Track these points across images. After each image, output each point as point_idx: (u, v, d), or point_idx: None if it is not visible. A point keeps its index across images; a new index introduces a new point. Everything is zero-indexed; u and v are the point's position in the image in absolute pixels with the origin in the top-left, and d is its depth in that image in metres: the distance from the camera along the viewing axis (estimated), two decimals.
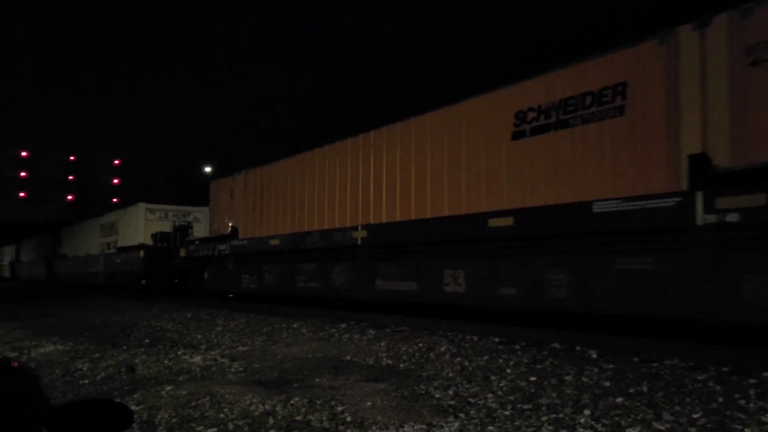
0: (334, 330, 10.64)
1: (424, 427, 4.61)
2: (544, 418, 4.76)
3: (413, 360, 7.62)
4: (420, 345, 8.58)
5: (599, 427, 4.49)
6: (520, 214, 9.79)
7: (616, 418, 4.67)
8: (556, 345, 8.22)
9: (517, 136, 10.23)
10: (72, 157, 59.32)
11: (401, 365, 7.35)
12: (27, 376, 4.55)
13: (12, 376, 4.37)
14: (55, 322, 13.88)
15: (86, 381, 7.10)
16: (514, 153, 10.23)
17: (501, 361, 7.26)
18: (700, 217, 7.44)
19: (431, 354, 7.93)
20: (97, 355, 8.63)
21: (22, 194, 53.77)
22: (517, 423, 4.67)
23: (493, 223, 10.11)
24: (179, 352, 8.65)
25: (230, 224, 19.14)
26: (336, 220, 14.40)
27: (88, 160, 60.34)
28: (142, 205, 27.58)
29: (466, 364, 7.18)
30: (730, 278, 7.30)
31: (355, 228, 13.48)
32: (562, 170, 9.44)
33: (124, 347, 9.38)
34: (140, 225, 26.89)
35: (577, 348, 7.95)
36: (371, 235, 12.99)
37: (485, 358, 7.48)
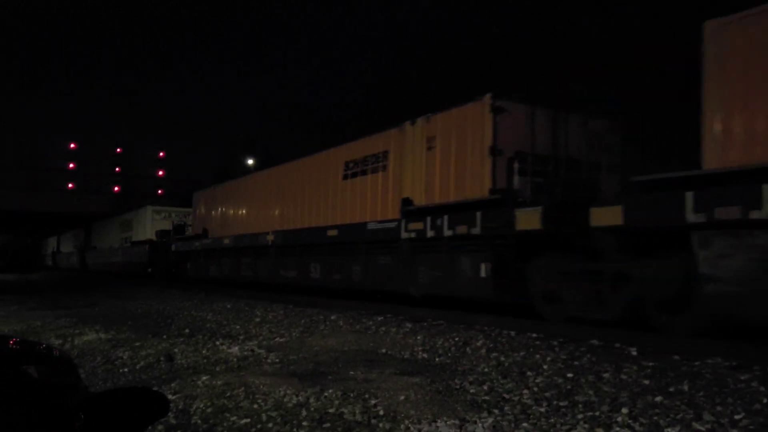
0: (371, 323, 10.65)
1: (457, 422, 4.57)
2: (579, 416, 4.67)
3: (449, 354, 7.58)
4: (456, 339, 8.53)
5: (636, 426, 4.39)
6: (342, 228, 15.69)
7: (655, 418, 4.56)
8: (595, 342, 8.08)
9: (344, 177, 16.18)
10: (119, 149, 60.65)
11: (437, 359, 7.31)
12: (66, 363, 4.63)
13: (52, 363, 4.46)
14: (99, 311, 14.21)
15: (126, 369, 7.24)
16: (344, 188, 16.21)
17: (538, 356, 7.17)
18: (403, 233, 13.25)
19: (467, 348, 7.87)
20: (137, 344, 8.79)
21: (70, 185, 55.16)
22: (552, 420, 4.59)
23: (329, 233, 16.03)
24: (217, 343, 8.76)
25: (203, 226, 25.59)
26: (261, 226, 20.46)
27: (134, 152, 61.64)
28: (149, 207, 34.08)
29: (503, 359, 7.11)
30: (414, 268, 13.09)
31: (267, 233, 19.53)
32: (362, 201, 15.31)
33: (164, 336, 9.54)
34: (148, 224, 32.79)
35: (617, 345, 7.81)
36: (276, 238, 18.97)
37: (522, 353, 7.39)
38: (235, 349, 8.14)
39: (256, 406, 5.16)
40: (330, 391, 5.58)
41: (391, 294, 13.95)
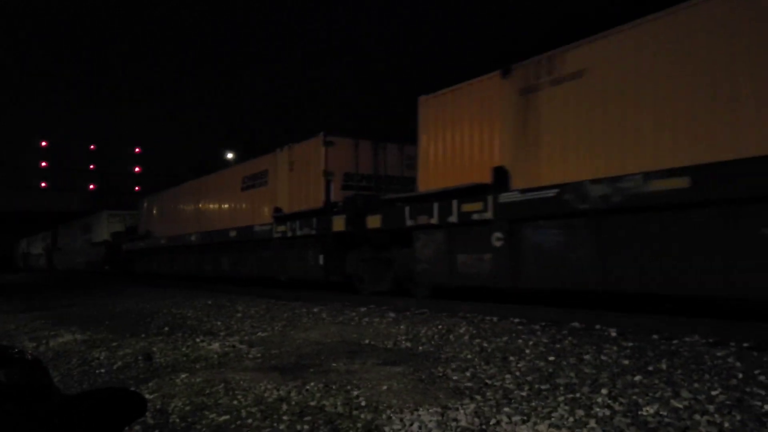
0: (354, 314, 10.62)
1: (439, 410, 4.55)
2: (560, 398, 4.68)
3: (432, 342, 7.57)
4: (440, 327, 8.53)
5: (616, 406, 4.40)
6: (239, 230, 19.75)
7: (634, 397, 4.59)
8: (576, 324, 8.13)
9: (242, 189, 20.38)
10: (92, 146, 59.92)
11: (420, 348, 7.31)
12: (37, 366, 4.53)
13: (22, 366, 4.36)
14: (76, 311, 14.01)
15: (102, 370, 7.14)
16: (241, 198, 20.55)
17: (520, 341, 7.19)
18: (274, 234, 17.33)
19: (450, 336, 7.87)
20: (114, 344, 8.68)
21: (43, 184, 54.42)
22: (533, 403, 4.60)
23: (231, 234, 20.21)
24: (198, 339, 8.67)
25: (147, 228, 29.68)
26: (187, 228, 24.30)
27: (109, 149, 60.92)
28: (105, 212, 38.40)
29: (485, 345, 7.12)
30: (283, 260, 17.34)
31: (192, 234, 23.54)
32: (252, 208, 19.49)
33: (143, 335, 9.43)
34: (104, 226, 36.83)
35: (597, 327, 7.86)
36: (197, 238, 23.09)
37: (504, 338, 7.41)
38: (216, 346, 8.07)
39: (235, 402, 5.11)
40: (312, 384, 5.54)
41: (272, 279, 18.24)
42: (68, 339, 9.49)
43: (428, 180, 12.35)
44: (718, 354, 5.92)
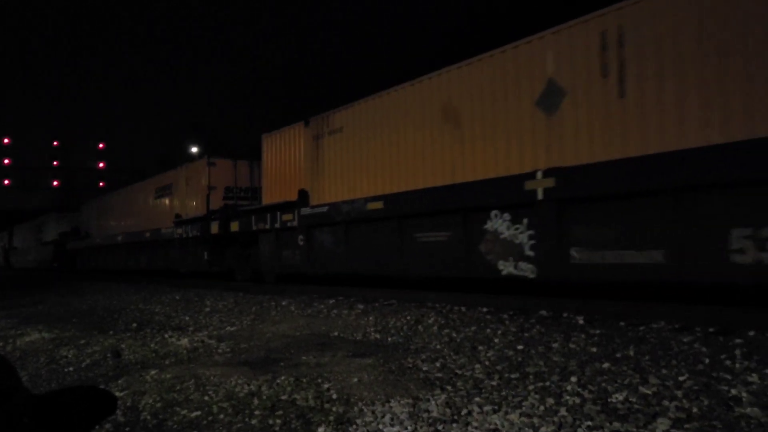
0: (322, 306, 10.60)
1: (410, 401, 4.57)
2: (530, 387, 4.73)
3: (401, 333, 7.59)
4: (408, 318, 8.56)
5: (585, 393, 4.46)
6: (152, 231, 23.76)
7: (603, 384, 4.65)
8: (544, 312, 8.22)
9: (155, 198, 24.58)
10: (56, 143, 58.74)
11: (389, 339, 7.32)
12: (4, 366, 4.43)
13: None
14: (42, 309, 13.76)
15: (71, 368, 7.02)
16: (154, 206, 24.64)
17: (489, 331, 7.24)
18: (175, 235, 21.48)
19: (419, 327, 7.90)
20: (82, 342, 8.54)
21: (6, 182, 53.27)
22: (503, 393, 4.63)
23: (146, 235, 24.51)
24: (166, 335, 8.58)
25: (86, 230, 33.71)
26: (117, 230, 28.37)
27: (72, 145, 59.76)
28: (54, 213, 41.44)
29: (454, 335, 7.16)
30: (184, 256, 21.21)
31: (120, 234, 27.51)
32: (161, 214, 23.55)
33: (111, 332, 9.30)
34: (53, 227, 40.08)
35: (565, 315, 7.96)
36: (123, 238, 27.06)
37: (473, 328, 7.46)
38: (185, 341, 7.99)
39: (206, 398, 5.06)
40: (282, 378, 5.52)
41: (175, 271, 22.37)
42: (35, 338, 9.31)
43: (267, 196, 16.39)
44: (685, 340, 6.03)
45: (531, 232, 9.28)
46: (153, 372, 6.17)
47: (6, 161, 54.83)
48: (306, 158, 14.83)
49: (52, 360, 7.63)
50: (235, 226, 17.49)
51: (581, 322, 7.38)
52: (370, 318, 8.87)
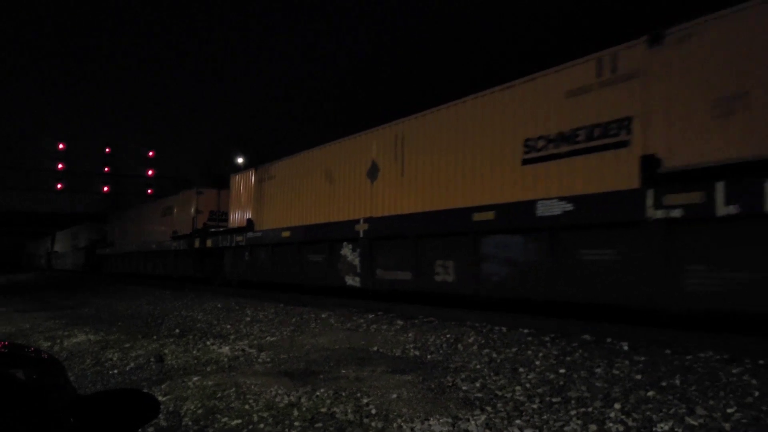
0: (362, 320, 10.61)
1: (449, 420, 4.54)
2: (572, 412, 4.66)
3: (441, 351, 7.55)
4: (448, 336, 8.51)
5: (629, 421, 4.37)
6: (157, 243, 29.10)
7: (648, 413, 4.55)
8: (587, 337, 8.08)
9: (161, 216, 29.06)
10: (108, 149, 60.29)
11: (428, 356, 7.29)
12: (54, 366, 4.54)
13: (39, 366, 4.37)
14: (88, 312, 14.09)
15: (115, 371, 7.17)
16: (160, 222, 29.42)
17: (530, 352, 7.15)
18: (172, 247, 26.87)
19: (459, 345, 7.85)
20: (127, 345, 8.72)
21: (59, 186, 54.76)
22: (545, 417, 4.57)
23: (152, 246, 29.74)
24: (208, 342, 8.70)
25: (112, 239, 38.90)
26: (133, 240, 33.65)
27: (123, 152, 61.24)
28: (86, 223, 46.41)
29: (494, 355, 7.09)
30: (178, 264, 26.44)
31: (134, 244, 33.22)
32: (164, 230, 28.70)
33: (155, 337, 9.46)
34: (85, 234, 45.32)
35: (608, 340, 7.81)
36: (136, 247, 32.46)
37: (514, 349, 7.38)
38: (226, 349, 8.09)
39: (247, 406, 5.11)
40: (322, 390, 5.54)
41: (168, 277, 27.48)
42: (82, 339, 9.53)
43: (231, 221, 21.12)
44: (733, 371, 5.86)
45: (359, 257, 13.85)
46: (195, 378, 6.25)
47: (60, 166, 56.41)
48: (254, 196, 19.77)
49: (98, 362, 7.80)
50: (209, 243, 22.28)
51: (626, 348, 7.23)
52: (410, 334, 8.85)
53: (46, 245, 64.21)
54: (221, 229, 22.48)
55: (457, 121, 11.63)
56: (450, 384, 5.77)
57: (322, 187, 15.87)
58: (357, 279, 13.85)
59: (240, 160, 48.46)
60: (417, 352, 7.55)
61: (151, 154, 61.06)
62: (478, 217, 10.50)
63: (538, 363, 6.58)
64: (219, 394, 5.54)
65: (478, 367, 6.53)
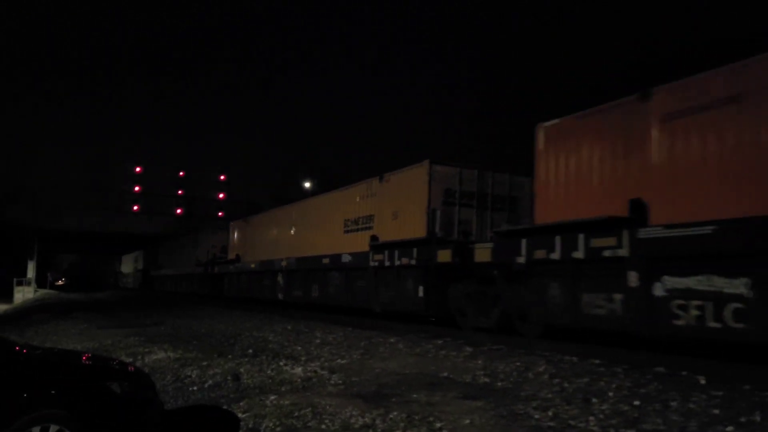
0: (430, 346, 10.69)
1: None
2: None
3: (510, 379, 7.57)
4: (517, 364, 8.50)
5: None
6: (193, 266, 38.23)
7: None
8: (661, 369, 7.94)
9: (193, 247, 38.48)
10: (181, 173, 62.32)
11: (498, 384, 7.32)
12: (145, 379, 4.94)
13: (132, 379, 4.74)
14: (165, 330, 14.66)
15: (195, 387, 7.48)
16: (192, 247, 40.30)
17: (602, 383, 7.10)
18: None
19: (529, 373, 7.84)
20: (204, 363, 9.06)
21: (135, 207, 56.86)
22: None
23: (189, 269, 40.13)
24: (281, 363, 8.95)
25: (162, 263, 49.11)
26: (179, 268, 42.67)
27: (196, 175, 63.18)
28: (141, 251, 59.21)
29: (566, 385, 7.06)
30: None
31: (171, 268, 46.26)
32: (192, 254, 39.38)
33: (230, 356, 9.79)
34: (141, 260, 58.51)
35: (683, 373, 7.66)
36: (174, 271, 44.26)
37: (585, 380, 7.33)
38: (299, 370, 8.31)
39: (324, 426, 5.29)
40: (395, 413, 5.66)
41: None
42: (161, 356, 9.95)
43: (230, 255, 30.48)
44: None
45: (284, 281, 22.39)
46: (272, 397, 6.48)
47: (137, 188, 58.58)
48: (239, 238, 29.21)
49: (177, 378, 8.14)
50: (217, 270, 31.03)
51: (702, 381, 7.08)
52: (479, 361, 8.88)
53: (114, 266, 77.68)
54: (222, 260, 30.79)
55: (320, 207, 21.02)
56: (521, 412, 5.80)
57: (270, 235, 25.16)
58: (282, 295, 22.66)
59: (307, 185, 49.34)
60: (487, 379, 7.59)
61: (222, 177, 62.69)
62: (324, 261, 18.67)
63: (611, 394, 6.53)
64: (296, 413, 5.74)
65: (549, 396, 6.53)
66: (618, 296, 9.34)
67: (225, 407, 6.07)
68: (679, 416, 5.54)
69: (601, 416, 5.58)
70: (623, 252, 9.25)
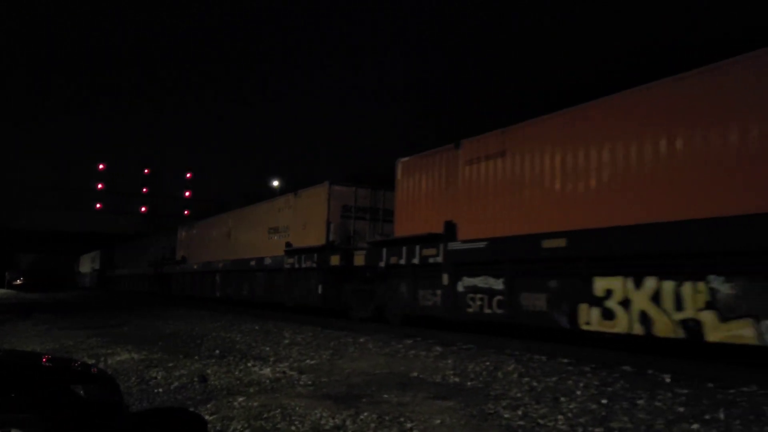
0: (400, 346, 10.68)
1: None
2: None
3: (480, 378, 7.59)
4: (487, 363, 8.54)
5: None
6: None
7: None
8: (627, 368, 8.05)
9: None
10: (146, 170, 61.52)
11: (468, 383, 7.34)
12: (109, 382, 4.80)
13: (97, 382, 4.61)
14: (129, 331, 14.39)
15: (160, 389, 7.34)
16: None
17: (570, 382, 7.16)
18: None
19: (499, 373, 7.88)
20: (170, 365, 8.91)
21: (98, 206, 55.92)
22: None
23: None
24: (249, 364, 8.85)
25: (115, 264, 49.86)
26: (133, 268, 44.39)
27: (161, 173, 62.42)
28: (99, 251, 57.42)
29: (535, 384, 7.11)
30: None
31: (126, 269, 47.62)
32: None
33: (196, 357, 9.65)
34: (97, 260, 57.88)
35: (649, 371, 7.77)
36: (128, 271, 46.04)
37: (554, 378, 7.39)
38: (267, 371, 8.23)
39: (293, 428, 5.23)
40: (365, 414, 5.63)
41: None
42: (125, 357, 9.76)
43: (177, 256, 32.49)
44: None
45: (220, 281, 26.24)
46: (240, 399, 6.40)
47: (99, 186, 57.63)
48: (186, 240, 31.72)
49: (142, 380, 7.99)
50: (165, 270, 33.68)
51: (668, 380, 7.19)
52: (449, 361, 8.90)
53: (75, 266, 76.67)
54: (171, 262, 32.91)
55: (250, 215, 24.06)
56: (492, 411, 5.82)
57: (211, 239, 27.57)
58: (219, 293, 25.62)
59: (276, 183, 49.01)
60: (457, 379, 7.60)
61: (189, 175, 62.03)
62: (251, 263, 22.31)
63: (579, 393, 6.59)
64: (265, 415, 5.67)
65: (518, 395, 6.57)
66: (438, 291, 13.02)
67: (192, 409, 5.98)
68: (646, 414, 5.60)
69: (570, 415, 5.62)
70: (440, 259, 12.97)
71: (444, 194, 13.45)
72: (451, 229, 12.81)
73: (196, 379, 7.76)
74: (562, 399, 6.29)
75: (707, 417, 5.47)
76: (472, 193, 12.58)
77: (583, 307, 9.67)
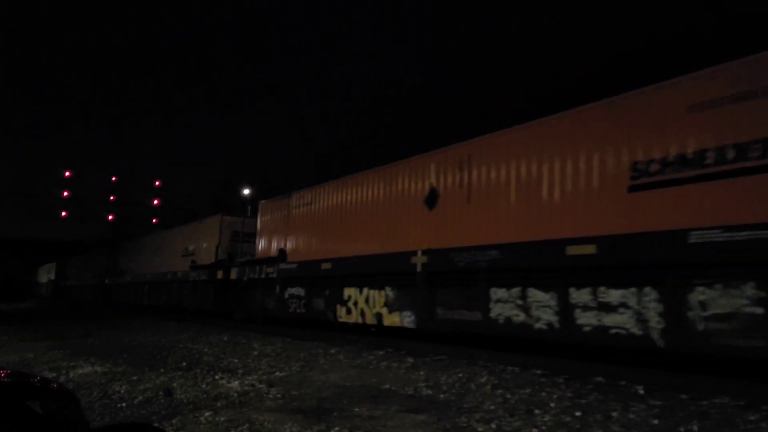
0: (371, 357, 10.53)
1: None
2: None
3: (453, 390, 7.48)
4: (460, 375, 8.44)
5: None
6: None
7: None
8: (600, 379, 8.00)
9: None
10: (114, 178, 60.59)
11: (441, 396, 7.22)
12: (69, 398, 4.51)
13: (55, 398, 4.33)
14: (93, 343, 14.01)
15: (124, 404, 7.10)
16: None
17: (544, 394, 7.09)
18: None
19: (472, 384, 7.78)
20: (134, 378, 8.65)
21: (64, 213, 54.90)
22: None
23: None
24: (216, 377, 8.63)
25: (67, 275, 51.58)
26: (81, 279, 46.72)
27: (129, 180, 61.54)
28: (55, 262, 57.70)
29: (508, 396, 7.02)
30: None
31: (78, 281, 48.77)
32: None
33: (162, 370, 9.39)
34: (53, 271, 58.58)
35: (623, 383, 7.73)
36: (80, 282, 47.02)
37: (527, 390, 7.31)
38: (236, 384, 8.02)
39: None
40: (336, 428, 5.48)
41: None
42: (88, 371, 9.46)
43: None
44: (751, 418, 5.80)
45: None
46: (207, 414, 6.19)
47: (65, 193, 56.58)
48: (125, 254, 35.34)
49: (105, 394, 7.72)
50: (106, 281, 37.02)
51: (641, 391, 7.16)
52: (421, 372, 8.78)
53: (30, 276, 77.76)
54: (111, 273, 37.03)
55: (170, 237, 29.49)
56: (465, 425, 5.71)
57: (143, 254, 32.16)
58: (146, 300, 29.99)
59: (246, 191, 48.55)
60: (430, 391, 7.48)
61: (157, 183, 61.22)
62: (168, 276, 27.23)
63: (553, 405, 6.51)
64: (232, 431, 5.49)
65: (492, 407, 6.47)
66: (273, 297, 17.70)
67: (156, 425, 5.76)
68: (620, 427, 5.54)
69: (544, 428, 5.54)
70: (275, 275, 17.61)
71: (281, 229, 18.32)
72: (282, 254, 17.74)
73: (161, 392, 7.52)
74: (536, 411, 6.21)
75: (681, 429, 5.43)
76: (294, 229, 17.60)
77: (339, 306, 14.55)
